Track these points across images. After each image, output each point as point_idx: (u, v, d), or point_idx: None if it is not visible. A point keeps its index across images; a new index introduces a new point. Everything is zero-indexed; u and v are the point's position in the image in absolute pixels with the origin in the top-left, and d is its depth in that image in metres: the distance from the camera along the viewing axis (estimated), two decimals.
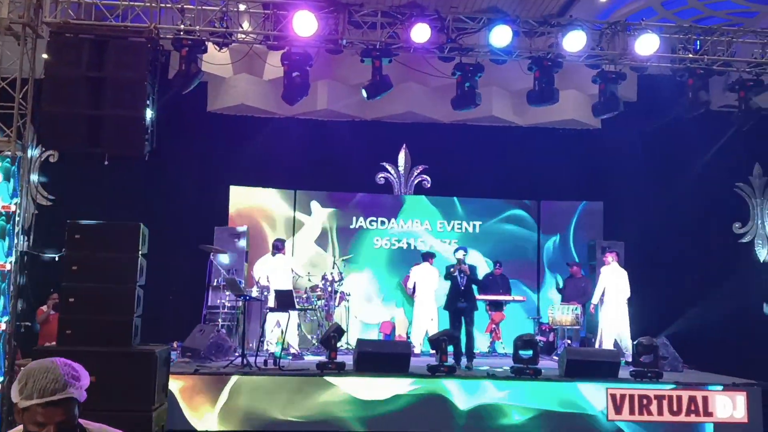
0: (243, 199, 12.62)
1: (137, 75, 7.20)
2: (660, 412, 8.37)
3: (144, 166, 10.80)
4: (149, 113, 7.25)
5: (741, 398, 8.47)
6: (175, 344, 10.34)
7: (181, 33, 7.75)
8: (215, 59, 9.71)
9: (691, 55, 8.15)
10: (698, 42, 8.29)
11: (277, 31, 7.91)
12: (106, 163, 7.54)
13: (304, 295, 11.13)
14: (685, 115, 8.28)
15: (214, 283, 11.05)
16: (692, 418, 8.37)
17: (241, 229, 12.01)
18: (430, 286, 11.10)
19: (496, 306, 11.89)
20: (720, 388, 8.54)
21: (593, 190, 13.19)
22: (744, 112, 8.14)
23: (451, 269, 10.01)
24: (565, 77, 12.29)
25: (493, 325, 11.94)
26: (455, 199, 13.21)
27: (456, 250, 10.39)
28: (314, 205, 12.88)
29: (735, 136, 11.55)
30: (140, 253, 7.25)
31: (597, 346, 10.68)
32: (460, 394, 8.22)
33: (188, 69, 7.74)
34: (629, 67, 8.43)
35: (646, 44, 7.85)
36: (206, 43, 7.97)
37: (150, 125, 7.27)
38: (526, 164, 13.05)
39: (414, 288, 11.27)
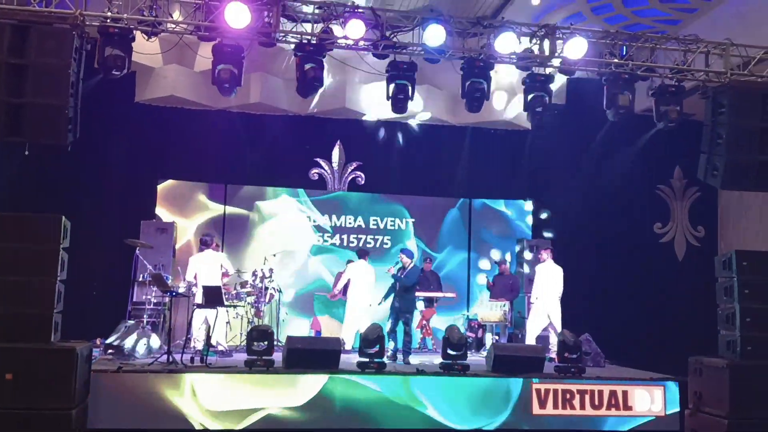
0: (171, 192, 12.33)
1: (61, 62, 6.94)
2: (582, 407, 8.62)
3: (68, 157, 10.41)
4: (73, 102, 6.99)
5: (659, 392, 8.80)
6: (98, 341, 10.06)
7: (108, 20, 7.50)
8: (144, 49, 9.43)
9: (617, 60, 8.39)
10: (624, 47, 8.54)
11: (208, 21, 7.75)
12: (26, 152, 7.25)
13: (234, 291, 10.96)
14: (610, 118, 8.53)
15: (140, 279, 10.78)
16: (612, 411, 8.64)
17: (169, 223, 11.74)
18: (366, 283, 11.11)
19: (427, 302, 12.00)
20: (639, 382, 8.84)
21: (524, 190, 13.46)
22: (664, 117, 8.43)
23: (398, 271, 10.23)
24: (497, 78, 12.60)
25: (424, 322, 12.04)
26: (389, 196, 13.25)
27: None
28: (245, 199, 12.71)
29: (657, 139, 12.01)
30: (61, 246, 7.03)
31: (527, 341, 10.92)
32: (389, 390, 8.26)
33: (114, 58, 7.49)
34: (558, 70, 8.61)
35: (575, 48, 8.05)
36: (134, 31, 7.72)
37: (73, 114, 7.01)
38: (459, 163, 13.23)
39: (347, 285, 11.26)
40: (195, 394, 7.88)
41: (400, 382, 8.31)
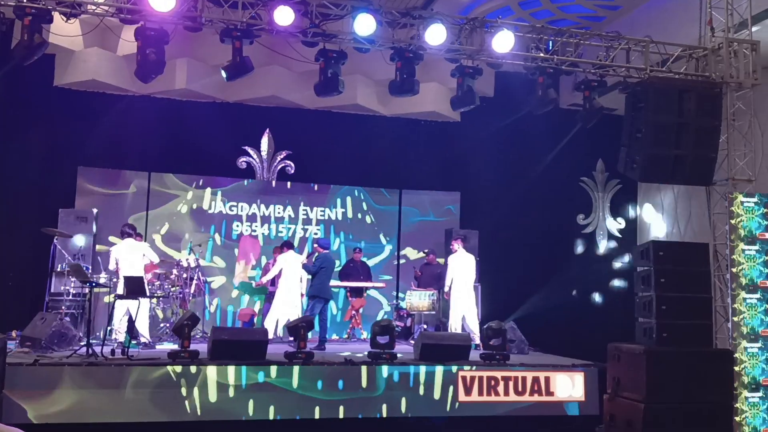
0: (92, 180, 11.92)
1: None
2: (506, 393, 8.80)
3: None
4: None
5: (580, 378, 9.08)
6: (14, 333, 9.70)
7: (24, 1, 7.16)
8: (63, 31, 9.06)
9: (542, 55, 8.55)
10: (550, 42, 8.71)
11: (131, 4, 7.50)
12: None
13: (157, 282, 10.70)
14: (535, 111, 8.70)
15: (58, 269, 10.39)
16: (536, 397, 8.87)
17: (89, 211, 11.36)
18: (296, 273, 11.02)
19: (356, 292, 12.01)
20: (561, 369, 9.10)
21: (452, 181, 13.60)
22: (588, 111, 8.66)
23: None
24: (427, 70, 12.67)
25: (353, 312, 12.06)
26: (319, 186, 13.17)
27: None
28: (170, 188, 12.40)
29: (581, 133, 12.31)
30: None
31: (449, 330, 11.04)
32: (316, 381, 8.24)
33: (31, 40, 7.16)
34: (486, 63, 8.72)
35: (503, 42, 8.16)
36: (52, 12, 7.40)
37: None
38: (389, 153, 13.26)
39: (279, 275, 11.14)
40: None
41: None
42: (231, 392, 8.02)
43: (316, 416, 8.16)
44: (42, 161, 11.43)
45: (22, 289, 10.99)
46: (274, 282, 11.21)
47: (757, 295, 8.08)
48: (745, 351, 7.99)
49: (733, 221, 8.11)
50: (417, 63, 8.20)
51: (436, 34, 7.98)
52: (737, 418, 7.82)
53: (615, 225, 14.36)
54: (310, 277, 10.75)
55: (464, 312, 10.98)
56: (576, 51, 8.70)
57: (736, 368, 7.93)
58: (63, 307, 10.15)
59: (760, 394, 7.94)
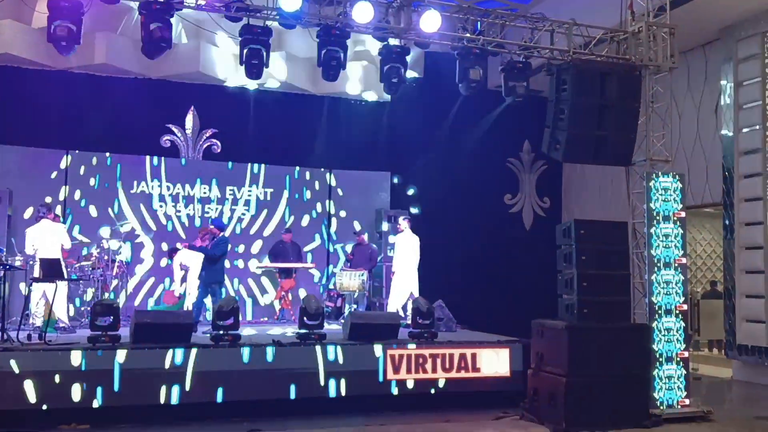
0: (6, 158, 11.39)
1: None
2: (434, 370, 8.90)
3: None
4: None
5: (505, 354, 9.25)
6: None
7: None
8: None
9: (469, 35, 8.57)
10: (477, 23, 8.73)
11: None
12: None
13: (77, 264, 10.34)
14: (462, 92, 8.73)
15: None
16: (462, 374, 9.00)
17: (2, 191, 10.87)
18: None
19: (286, 273, 11.92)
20: (487, 345, 9.26)
21: (382, 161, 13.60)
22: (512, 92, 8.74)
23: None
24: (357, 49, 12.62)
25: (283, 293, 11.97)
26: (247, 165, 12.96)
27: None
28: (90, 166, 11.98)
29: (508, 114, 12.52)
30: None
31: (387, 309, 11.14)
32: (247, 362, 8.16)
33: None
34: (414, 43, 8.69)
35: (430, 21, 8.13)
36: None
37: None
38: (319, 133, 13.16)
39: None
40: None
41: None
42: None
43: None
44: None
45: None
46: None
47: (672, 272, 8.39)
48: (661, 326, 8.29)
49: (650, 201, 8.37)
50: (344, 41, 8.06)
51: (363, 12, 7.88)
52: (653, 391, 8.13)
53: (540, 205, 14.67)
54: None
55: (409, 292, 11.08)
56: (502, 32, 8.76)
57: (653, 343, 8.23)
58: None
59: (674, 366, 8.27)
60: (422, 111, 13.33)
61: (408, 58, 8.78)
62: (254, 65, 8.05)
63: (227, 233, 11.52)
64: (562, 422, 7.72)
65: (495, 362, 9.18)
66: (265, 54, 8.00)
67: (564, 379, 7.83)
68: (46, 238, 9.45)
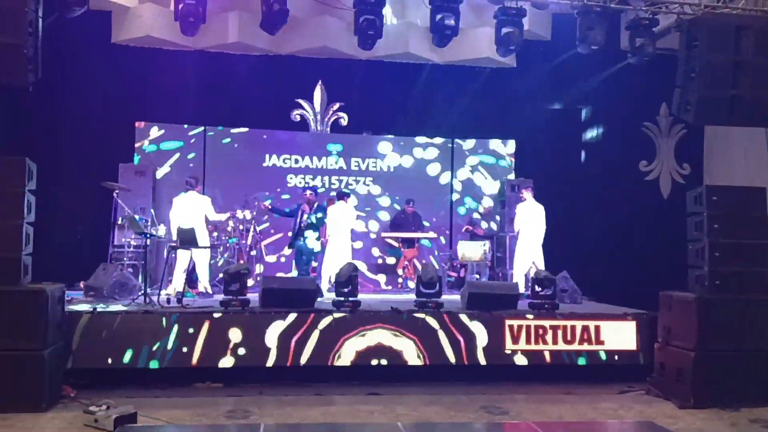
0: (150, 135, 12.26)
1: (16, 1, 6.79)
2: (555, 342, 8.72)
3: (45, 100, 10.45)
4: (32, 41, 6.87)
5: (631, 327, 8.89)
6: (81, 284, 10.16)
7: None
8: None
9: None
10: None
11: None
12: None
13: (215, 233, 11.01)
14: (581, 51, 8.36)
15: (119, 222, 10.81)
16: (585, 346, 8.75)
17: (147, 166, 11.72)
18: (345, 224, 11.11)
19: (408, 243, 12.05)
20: (612, 317, 8.93)
21: (506, 128, 13.34)
22: (637, 51, 8.27)
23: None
24: (480, 14, 12.35)
25: (405, 262, 12.13)
26: (372, 137, 13.16)
27: (304, 190, 11.01)
28: (227, 141, 12.63)
29: (642, 76, 11.80)
30: (26, 188, 7.02)
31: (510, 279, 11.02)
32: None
33: None
34: (531, 4, 8.42)
35: None
36: None
37: (33, 54, 6.90)
38: (442, 102, 13.08)
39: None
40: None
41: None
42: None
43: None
44: (103, 116, 11.77)
45: (89, 242, 11.47)
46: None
47: None
48: None
49: None
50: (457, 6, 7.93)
51: None
52: None
53: (680, 171, 13.81)
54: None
55: (534, 261, 10.91)
56: None
57: None
58: (125, 258, 10.61)
59: None
60: (549, 75, 12.87)
61: (524, 20, 8.53)
62: (369, 35, 8.14)
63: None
64: (690, 398, 7.39)
65: (620, 335, 8.85)
66: (378, 23, 8.05)
67: (692, 354, 7.49)
68: (190, 209, 10.09)
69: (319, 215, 10.86)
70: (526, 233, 11.10)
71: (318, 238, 10.90)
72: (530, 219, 11.09)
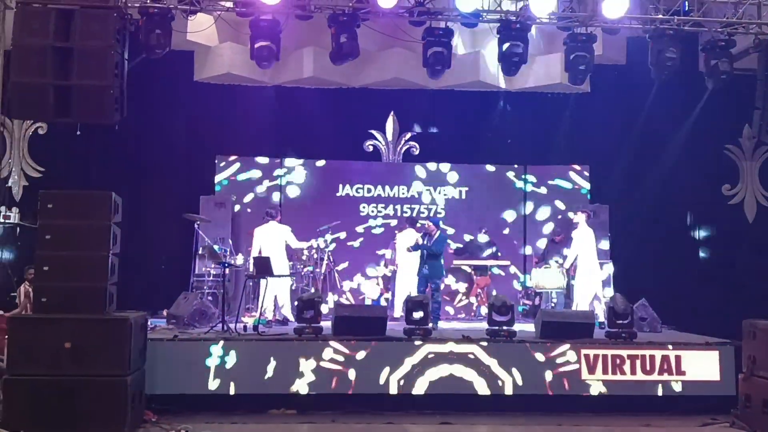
0: (230, 168, 12.72)
1: (104, 44, 7.25)
2: (633, 371, 8.48)
3: (131, 136, 10.99)
4: (118, 82, 7.31)
5: (714, 357, 8.56)
6: (165, 312, 10.56)
7: (148, 1, 7.78)
8: (201, 27, 9.79)
9: (661, 16, 8.06)
10: (686, 2, 8.15)
11: None
12: (78, 133, 7.65)
13: (290, 263, 11.26)
14: (654, 76, 8.20)
15: (200, 252, 11.21)
16: (665, 377, 8.47)
17: (227, 197, 12.14)
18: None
19: (481, 270, 11.99)
20: (694, 347, 8.62)
21: (580, 154, 13.15)
22: (713, 72, 8.06)
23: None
24: (551, 40, 12.29)
25: (479, 290, 12.05)
26: (443, 165, 13.23)
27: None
28: (301, 172, 12.95)
29: (724, 97, 11.44)
30: (112, 221, 7.39)
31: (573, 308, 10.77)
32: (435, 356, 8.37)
33: (153, 37, 7.76)
34: (602, 29, 8.35)
35: (614, 6, 7.78)
36: (173, 11, 7.98)
37: (119, 94, 7.34)
38: (512, 129, 13.05)
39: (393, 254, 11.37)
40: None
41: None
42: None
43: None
44: (185, 150, 12.33)
45: (172, 271, 11.95)
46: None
47: None
48: None
49: None
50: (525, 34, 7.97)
51: (543, 3, 7.76)
52: None
53: (766, 195, 13.25)
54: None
55: (596, 290, 10.67)
56: (700, 9, 8.11)
57: None
58: (205, 287, 10.98)
59: None
60: (624, 100, 12.65)
61: (597, 45, 8.46)
62: (437, 69, 8.25)
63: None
64: None
65: (702, 365, 8.53)
66: (447, 55, 8.16)
67: None
68: (271, 238, 10.36)
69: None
70: (584, 259, 10.81)
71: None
72: (585, 245, 10.81)
